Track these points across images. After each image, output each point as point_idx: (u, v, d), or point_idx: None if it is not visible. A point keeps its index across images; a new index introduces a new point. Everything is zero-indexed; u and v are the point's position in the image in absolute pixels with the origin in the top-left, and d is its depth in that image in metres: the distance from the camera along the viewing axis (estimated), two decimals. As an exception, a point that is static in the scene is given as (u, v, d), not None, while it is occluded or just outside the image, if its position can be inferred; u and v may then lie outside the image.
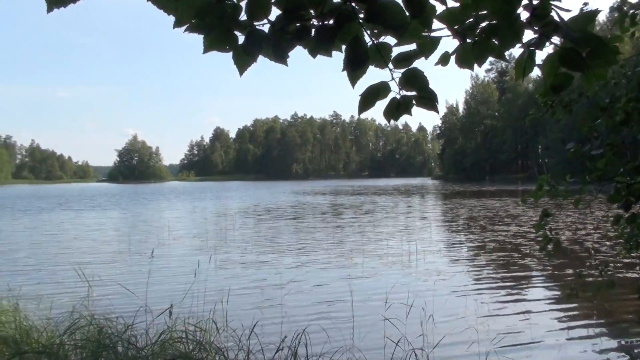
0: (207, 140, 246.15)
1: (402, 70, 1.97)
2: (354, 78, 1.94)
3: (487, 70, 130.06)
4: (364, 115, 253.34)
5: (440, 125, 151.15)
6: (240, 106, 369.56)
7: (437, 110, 2.00)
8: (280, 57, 1.89)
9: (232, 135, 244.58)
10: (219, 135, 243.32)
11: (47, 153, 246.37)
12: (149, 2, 1.80)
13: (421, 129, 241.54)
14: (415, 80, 1.94)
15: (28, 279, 12.70)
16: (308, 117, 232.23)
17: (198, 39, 1.93)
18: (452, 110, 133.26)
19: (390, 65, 1.97)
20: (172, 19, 1.84)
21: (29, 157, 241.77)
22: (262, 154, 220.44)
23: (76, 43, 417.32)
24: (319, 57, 1.92)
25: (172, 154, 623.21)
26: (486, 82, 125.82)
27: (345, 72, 1.92)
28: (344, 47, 1.88)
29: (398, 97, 2.01)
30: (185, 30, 1.85)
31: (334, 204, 44.59)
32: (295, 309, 10.14)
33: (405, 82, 1.96)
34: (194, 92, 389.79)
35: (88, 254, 17.58)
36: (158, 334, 6.09)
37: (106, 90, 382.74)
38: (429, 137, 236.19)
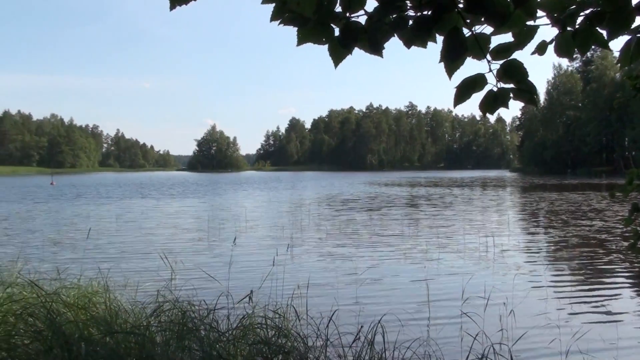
0: (282, 130, 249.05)
1: (501, 62, 1.92)
2: (451, 69, 1.92)
3: (571, 60, 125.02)
4: (439, 106, 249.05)
5: (519, 116, 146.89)
6: (315, 97, 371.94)
7: (535, 104, 1.95)
8: (376, 48, 1.89)
9: (308, 125, 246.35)
10: (294, 125, 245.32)
11: (131, 142, 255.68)
12: None
13: (499, 120, 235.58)
14: (514, 72, 1.89)
15: (114, 263, 13.24)
16: (383, 107, 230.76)
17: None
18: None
19: (488, 57, 1.93)
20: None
21: (114, 146, 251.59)
22: (337, 145, 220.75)
23: (160, 35, 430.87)
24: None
25: (249, 144, 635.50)
26: (569, 72, 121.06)
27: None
28: (438, 37, 1.87)
29: (495, 89, 1.96)
30: (279, 23, 1.88)
31: (409, 196, 44.21)
32: (371, 300, 10.14)
33: (503, 74, 1.92)
34: (271, 83, 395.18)
35: (170, 241, 18.17)
36: (239, 319, 6.21)
37: (187, 81, 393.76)
38: (508, 128, 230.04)
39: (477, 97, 2.03)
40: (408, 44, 1.87)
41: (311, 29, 1.90)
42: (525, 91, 1.92)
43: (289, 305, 7.02)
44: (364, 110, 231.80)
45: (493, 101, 1.98)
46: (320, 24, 1.89)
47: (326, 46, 1.98)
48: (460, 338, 7.68)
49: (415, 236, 19.02)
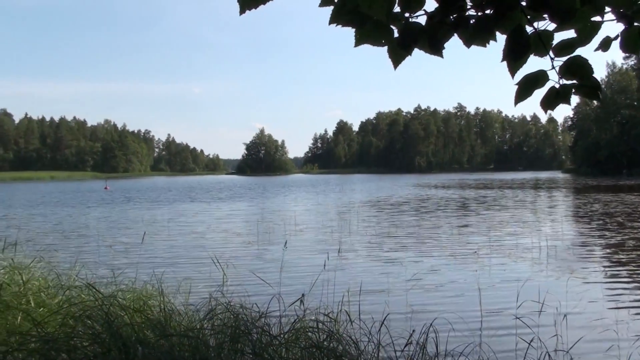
0: (330, 133, 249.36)
1: (564, 59, 1.87)
2: (514, 68, 1.88)
3: (626, 57, 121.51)
4: (489, 107, 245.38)
5: (572, 116, 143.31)
6: (363, 99, 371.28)
7: (599, 99, 1.88)
8: (437, 49, 1.86)
9: (355, 128, 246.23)
10: (342, 128, 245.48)
11: (181, 146, 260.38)
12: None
13: (551, 120, 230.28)
14: (577, 69, 1.84)
15: (168, 266, 13.47)
16: (431, 109, 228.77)
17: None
18: (585, 100, 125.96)
19: (551, 54, 1.87)
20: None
21: (166, 150, 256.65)
22: (385, 147, 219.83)
23: (210, 41, 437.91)
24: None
25: (297, 147, 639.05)
26: (624, 70, 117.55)
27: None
28: (498, 35, 1.82)
29: (557, 86, 1.91)
30: (337, 25, 1.87)
31: (459, 198, 43.67)
32: (422, 304, 10.04)
33: (566, 71, 1.86)
34: (318, 86, 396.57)
35: (221, 244, 18.39)
36: (290, 322, 6.23)
37: (236, 85, 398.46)
38: (560, 128, 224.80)
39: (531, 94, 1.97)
40: (468, 44, 1.84)
41: (370, 30, 1.89)
42: (590, 87, 1.86)
43: (341, 309, 7.01)
44: (412, 111, 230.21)
45: (555, 98, 1.93)
46: (380, 25, 1.87)
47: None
48: (515, 343, 7.53)
49: (466, 239, 18.76)
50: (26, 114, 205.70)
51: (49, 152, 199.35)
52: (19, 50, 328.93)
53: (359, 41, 1.93)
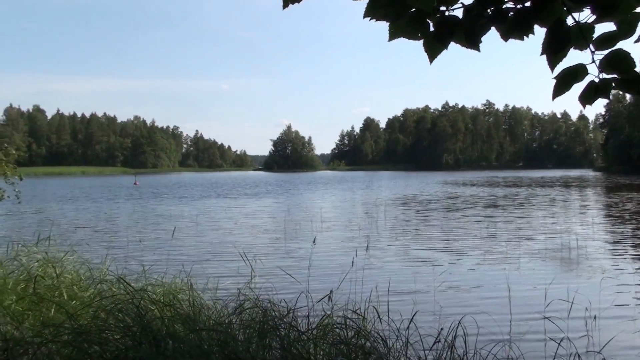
0: (357, 130, 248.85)
1: (605, 52, 1.83)
2: (554, 62, 1.84)
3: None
4: (518, 104, 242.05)
5: (603, 113, 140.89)
6: (390, 96, 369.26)
7: (640, 94, 1.84)
8: (474, 42, 1.84)
9: (382, 125, 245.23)
10: (369, 125, 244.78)
11: (209, 142, 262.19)
12: None
13: (582, 117, 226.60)
14: (619, 62, 1.80)
15: (196, 261, 13.58)
16: (459, 106, 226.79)
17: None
18: (617, 97, 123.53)
19: (591, 47, 1.84)
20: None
21: (194, 146, 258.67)
22: (412, 144, 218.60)
23: (238, 38, 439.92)
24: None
25: (324, 144, 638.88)
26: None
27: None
28: (536, 27, 1.79)
29: (596, 80, 1.87)
30: (371, 19, 1.86)
31: (487, 196, 43.26)
32: (450, 302, 9.99)
33: (607, 64, 1.82)
34: (345, 82, 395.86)
35: (249, 240, 18.50)
36: (318, 318, 6.23)
37: (264, 82, 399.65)
38: (591, 126, 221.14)
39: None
40: (505, 37, 1.81)
41: (405, 23, 1.87)
42: (631, 81, 1.82)
43: (368, 306, 6.99)
44: (440, 109, 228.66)
45: (594, 92, 1.90)
46: (415, 18, 1.86)
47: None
48: (544, 343, 7.44)
49: (494, 237, 18.58)
50: (58, 110, 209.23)
51: (80, 148, 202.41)
52: (51, 48, 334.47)
53: (393, 35, 1.91)
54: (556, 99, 1.94)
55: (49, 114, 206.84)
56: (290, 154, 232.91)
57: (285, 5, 1.86)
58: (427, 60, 1.95)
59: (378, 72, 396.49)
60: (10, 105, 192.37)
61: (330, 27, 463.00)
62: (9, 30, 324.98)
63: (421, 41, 1.94)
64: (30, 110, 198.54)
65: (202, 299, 7.33)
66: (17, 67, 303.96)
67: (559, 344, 6.22)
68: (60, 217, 27.59)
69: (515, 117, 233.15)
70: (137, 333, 4.78)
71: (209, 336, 5.15)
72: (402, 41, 1.94)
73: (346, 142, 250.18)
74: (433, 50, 1.92)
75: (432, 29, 1.89)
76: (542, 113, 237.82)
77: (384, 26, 1.93)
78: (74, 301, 6.44)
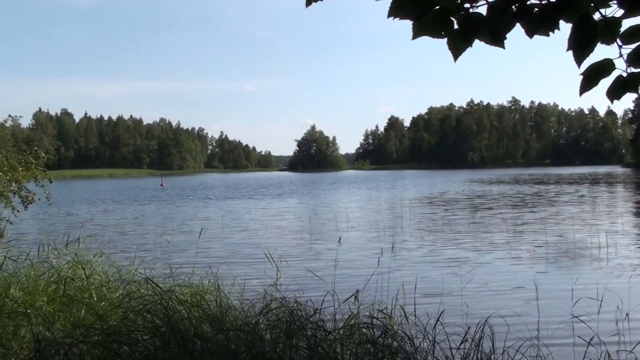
0: (381, 129, 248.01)
1: (633, 46, 1.80)
2: (581, 57, 1.82)
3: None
4: (544, 100, 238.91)
5: (632, 108, 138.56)
6: (414, 94, 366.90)
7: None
8: (498, 39, 1.83)
9: (407, 124, 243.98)
10: (393, 124, 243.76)
11: (234, 143, 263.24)
12: None
13: (610, 113, 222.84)
14: (647, 56, 1.77)
15: (222, 262, 13.67)
16: (484, 103, 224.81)
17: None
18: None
19: (618, 41, 1.81)
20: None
21: (219, 147, 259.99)
22: (437, 143, 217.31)
23: (261, 39, 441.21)
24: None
25: (348, 143, 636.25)
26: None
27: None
28: (561, 23, 1.77)
29: (624, 74, 1.84)
30: (394, 17, 1.85)
31: (514, 193, 42.84)
32: (477, 301, 9.91)
33: (635, 58, 1.80)
34: (369, 81, 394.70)
35: (274, 241, 18.55)
36: (345, 318, 6.23)
37: (288, 82, 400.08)
38: (619, 121, 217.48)
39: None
40: (530, 33, 1.79)
41: (429, 21, 1.87)
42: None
43: (395, 305, 6.97)
44: (465, 106, 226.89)
45: (622, 87, 1.87)
46: (439, 16, 1.85)
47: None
48: (573, 343, 7.35)
49: (522, 235, 18.40)
50: (85, 113, 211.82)
51: (107, 150, 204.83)
52: (79, 51, 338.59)
53: (417, 33, 1.91)
54: (583, 95, 1.91)
55: (77, 117, 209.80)
56: (314, 154, 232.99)
57: (308, 3, 1.87)
58: (452, 57, 1.94)
59: (402, 70, 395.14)
60: (40, 109, 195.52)
61: (353, 26, 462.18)
62: (39, 35, 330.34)
63: (445, 39, 1.93)
64: (59, 114, 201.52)
65: (229, 300, 7.37)
66: (46, 72, 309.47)
67: (589, 344, 6.14)
68: (89, 219, 27.98)
69: (541, 114, 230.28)
70: (166, 333, 4.82)
71: (236, 336, 5.18)
72: (425, 39, 1.93)
73: (370, 141, 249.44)
74: (457, 48, 1.91)
75: (456, 26, 1.88)
76: (569, 109, 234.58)
77: (407, 24, 1.92)
78: (103, 302, 6.52)
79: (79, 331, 5.04)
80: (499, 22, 1.80)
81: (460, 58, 1.94)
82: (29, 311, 5.56)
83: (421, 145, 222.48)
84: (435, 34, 1.90)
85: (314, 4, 1.88)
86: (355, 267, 12.99)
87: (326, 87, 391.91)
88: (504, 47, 1.86)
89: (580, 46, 1.78)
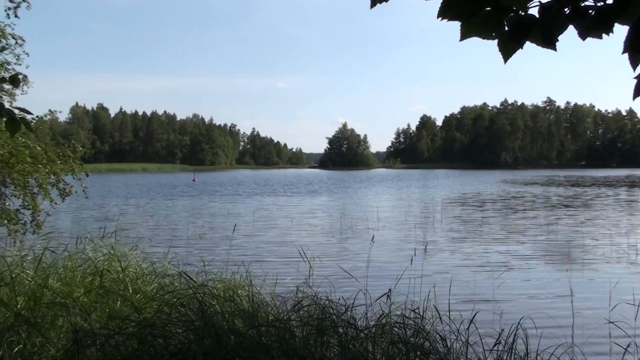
0: (413, 128, 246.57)
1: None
2: (637, 60, 1.78)
3: None
4: (580, 101, 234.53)
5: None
6: (447, 93, 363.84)
7: None
8: (550, 41, 1.80)
9: (439, 123, 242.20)
10: (425, 123, 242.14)
11: (265, 140, 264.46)
12: None
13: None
14: None
15: (254, 258, 13.75)
16: (518, 103, 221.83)
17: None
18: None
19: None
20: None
21: (250, 144, 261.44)
22: (470, 142, 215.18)
23: (295, 36, 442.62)
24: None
25: (379, 142, 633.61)
26: None
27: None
28: (616, 25, 1.73)
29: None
30: (443, 19, 1.84)
31: (549, 195, 42.21)
32: (511, 303, 9.82)
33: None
34: (401, 80, 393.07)
35: (306, 238, 18.60)
36: (376, 317, 6.21)
37: (320, 80, 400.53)
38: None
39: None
40: (584, 35, 1.76)
41: (478, 23, 1.85)
42: None
43: (427, 305, 6.93)
44: (498, 106, 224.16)
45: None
46: (489, 17, 1.83)
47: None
48: (609, 348, 7.22)
49: (557, 238, 18.13)
50: (120, 108, 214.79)
51: (141, 145, 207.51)
52: (114, 47, 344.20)
53: (465, 35, 1.89)
54: (636, 99, 1.87)
55: (112, 112, 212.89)
56: (345, 152, 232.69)
57: (373, 4, 1.86)
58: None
59: (435, 69, 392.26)
60: (77, 104, 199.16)
61: (386, 24, 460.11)
62: (77, 31, 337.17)
63: (474, 37, 1.91)
64: (95, 109, 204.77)
65: (261, 295, 7.42)
66: (84, 67, 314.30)
67: (626, 350, 6.03)
68: (124, 212, 28.40)
69: (577, 115, 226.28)
70: (200, 327, 4.87)
71: (268, 332, 5.21)
72: (457, 38, 1.91)
73: (402, 140, 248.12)
74: (508, 49, 1.88)
75: (506, 28, 1.86)
76: (606, 110, 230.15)
77: (442, 24, 1.92)
78: (138, 295, 6.61)
79: (114, 323, 5.11)
80: (552, 24, 1.77)
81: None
82: (66, 302, 5.67)
83: (453, 144, 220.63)
84: (486, 35, 1.87)
85: (378, 5, 1.87)
86: (387, 267, 12.95)
87: (358, 85, 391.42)
88: (555, 49, 1.83)
89: (637, 49, 1.74)
